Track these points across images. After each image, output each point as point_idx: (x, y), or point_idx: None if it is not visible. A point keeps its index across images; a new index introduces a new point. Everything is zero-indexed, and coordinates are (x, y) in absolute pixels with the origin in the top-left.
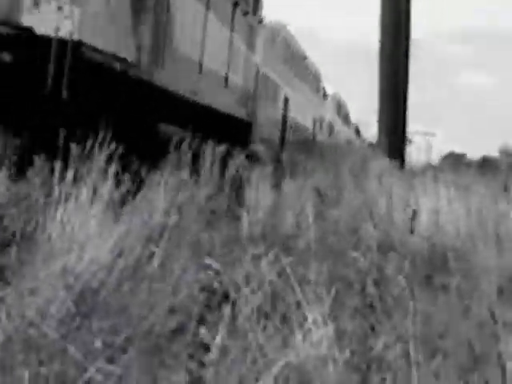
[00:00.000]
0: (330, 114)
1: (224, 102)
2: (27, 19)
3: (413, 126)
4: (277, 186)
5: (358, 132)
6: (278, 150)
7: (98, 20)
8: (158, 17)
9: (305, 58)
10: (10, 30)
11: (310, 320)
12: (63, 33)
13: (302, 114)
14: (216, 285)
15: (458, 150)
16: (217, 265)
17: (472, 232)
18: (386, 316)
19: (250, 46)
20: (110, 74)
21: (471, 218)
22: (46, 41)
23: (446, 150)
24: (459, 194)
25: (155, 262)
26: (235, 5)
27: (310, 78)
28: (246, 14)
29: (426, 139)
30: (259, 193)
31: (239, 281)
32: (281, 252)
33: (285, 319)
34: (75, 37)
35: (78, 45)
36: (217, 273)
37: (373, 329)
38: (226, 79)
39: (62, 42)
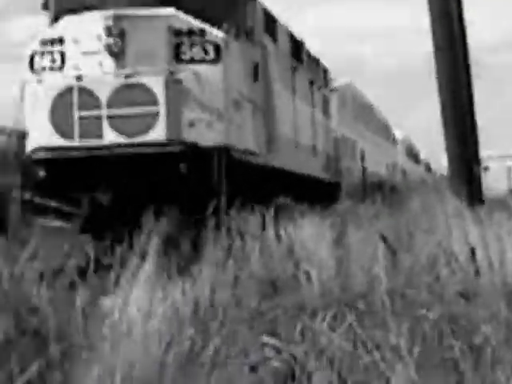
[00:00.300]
0: (401, 158)
1: (314, 169)
2: (187, 136)
3: (485, 152)
4: (340, 237)
5: (429, 168)
6: (360, 200)
7: (234, 128)
8: (267, 114)
9: (371, 107)
10: (181, 147)
11: None
12: (213, 141)
13: (377, 163)
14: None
15: None
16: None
17: None
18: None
19: (326, 113)
20: (245, 165)
21: None
22: (204, 149)
23: None
24: None
25: (210, 349)
26: (311, 83)
27: (380, 126)
28: (319, 88)
29: (504, 164)
30: (319, 247)
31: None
32: (352, 313)
33: None
34: (223, 143)
35: (227, 149)
36: (278, 351)
37: None
38: (314, 148)
39: (218, 149)
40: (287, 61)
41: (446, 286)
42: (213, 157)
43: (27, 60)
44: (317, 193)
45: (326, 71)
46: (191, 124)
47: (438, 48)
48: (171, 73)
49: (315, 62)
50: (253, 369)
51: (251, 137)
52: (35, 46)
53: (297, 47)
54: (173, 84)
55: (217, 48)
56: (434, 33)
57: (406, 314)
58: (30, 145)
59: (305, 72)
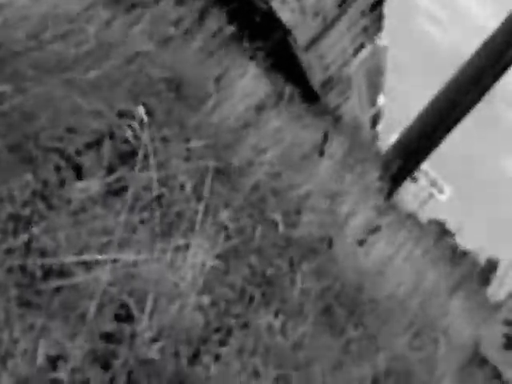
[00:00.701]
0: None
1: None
2: (277, 6)
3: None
4: None
5: (374, 122)
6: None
7: (305, 24)
8: (325, 28)
9: (379, 76)
10: (267, 7)
11: None
12: (285, 20)
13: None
14: None
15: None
16: None
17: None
18: None
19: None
20: (287, 47)
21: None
22: (278, 19)
23: (446, 211)
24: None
25: None
26: (364, 29)
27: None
28: (366, 30)
29: (430, 190)
30: None
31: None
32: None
33: None
34: (290, 28)
35: (289, 31)
36: None
37: None
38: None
39: (285, 27)
40: (365, 6)
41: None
42: (277, 25)
43: None
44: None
45: (379, 27)
46: (283, 1)
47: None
48: None
49: (379, 16)
50: None
51: (305, 36)
52: None
53: (378, 1)
54: None
55: None
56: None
57: None
58: None
59: (367, 19)
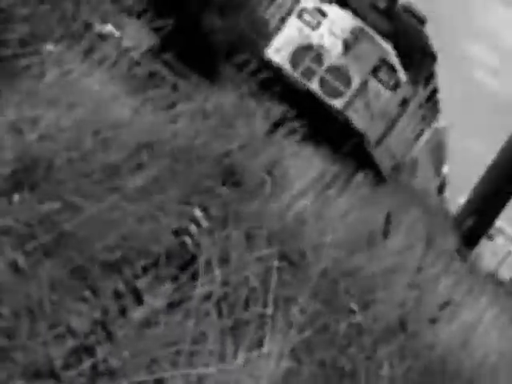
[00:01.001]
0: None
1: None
2: (350, 114)
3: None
4: None
5: (440, 190)
6: None
7: (373, 126)
8: (388, 123)
9: (441, 155)
10: (343, 118)
11: None
12: (359, 125)
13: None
14: None
15: None
16: None
17: None
18: None
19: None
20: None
21: None
22: (353, 127)
23: None
24: None
25: None
26: (423, 118)
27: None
28: (424, 118)
29: (508, 248)
30: None
31: None
32: None
33: None
34: (363, 131)
35: (363, 135)
36: None
37: None
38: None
39: (358, 131)
40: (422, 99)
41: None
42: (350, 129)
43: None
44: None
45: (436, 112)
46: (356, 110)
47: None
48: (364, 82)
49: (435, 103)
50: None
51: (374, 135)
52: None
53: (433, 92)
54: (362, 94)
55: (397, 83)
56: None
57: None
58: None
59: (424, 109)
